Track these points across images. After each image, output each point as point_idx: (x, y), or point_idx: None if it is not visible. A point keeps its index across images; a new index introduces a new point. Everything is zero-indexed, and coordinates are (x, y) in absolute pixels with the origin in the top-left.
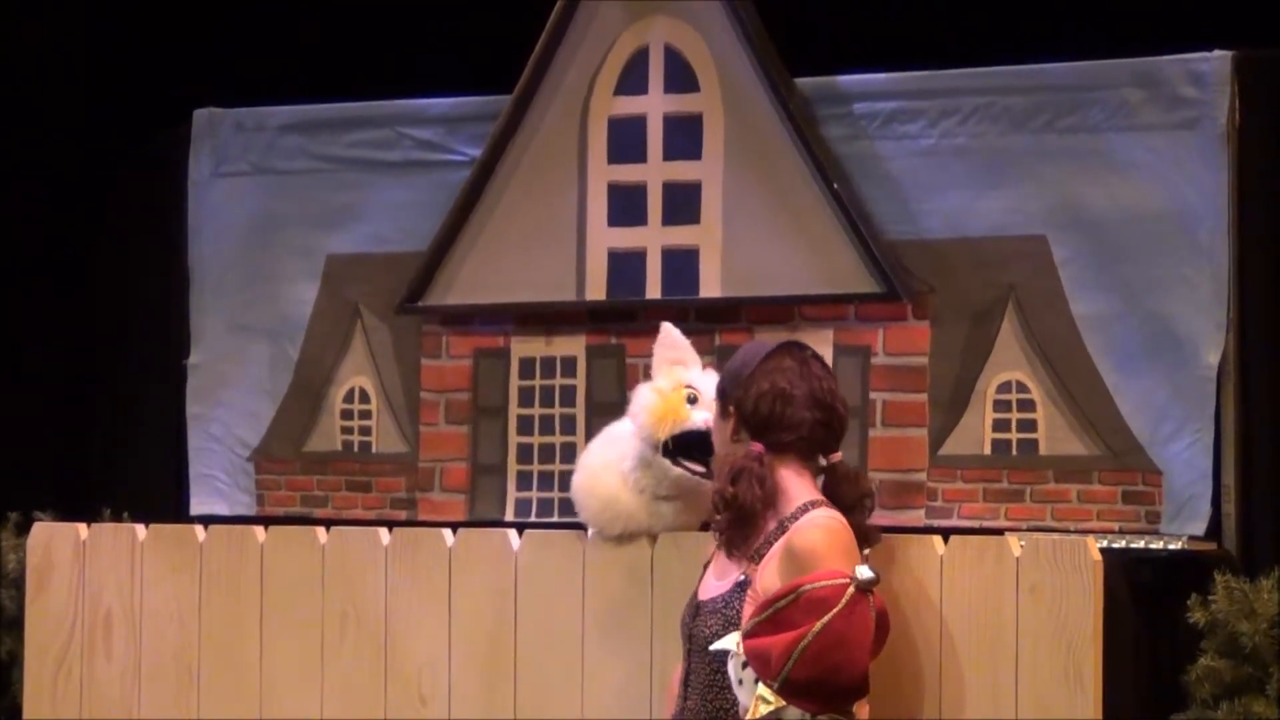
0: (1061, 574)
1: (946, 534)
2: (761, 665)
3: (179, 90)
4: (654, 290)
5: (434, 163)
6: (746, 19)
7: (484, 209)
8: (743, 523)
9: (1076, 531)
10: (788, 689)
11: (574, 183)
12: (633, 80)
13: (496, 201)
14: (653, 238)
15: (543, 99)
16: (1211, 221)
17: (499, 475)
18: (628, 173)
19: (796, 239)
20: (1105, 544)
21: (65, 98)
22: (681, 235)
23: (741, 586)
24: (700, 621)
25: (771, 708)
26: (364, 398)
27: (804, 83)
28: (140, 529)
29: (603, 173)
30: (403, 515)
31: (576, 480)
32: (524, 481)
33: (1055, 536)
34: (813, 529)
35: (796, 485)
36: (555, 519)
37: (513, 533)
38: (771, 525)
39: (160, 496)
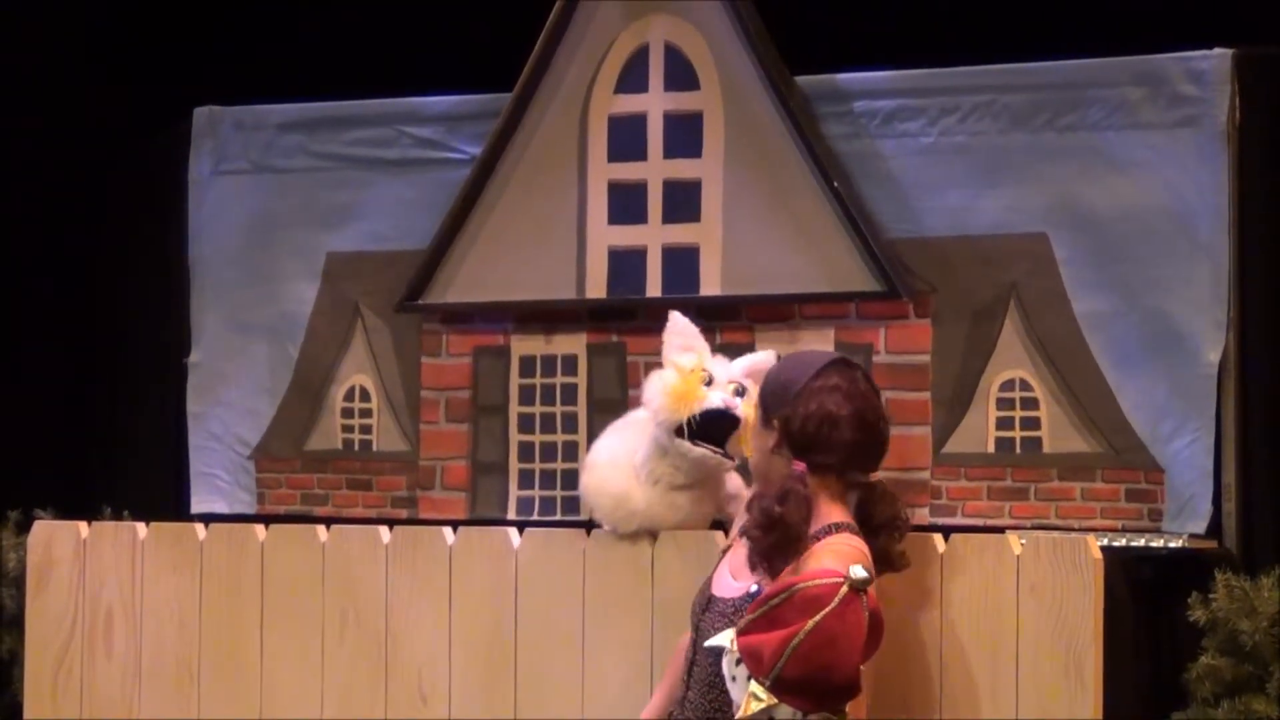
0: (1062, 572)
1: (950, 532)
2: (754, 662)
3: (179, 88)
4: (654, 288)
5: (434, 161)
6: (747, 17)
7: (484, 207)
8: (786, 543)
9: (1080, 529)
10: (779, 686)
11: (574, 181)
12: (633, 78)
13: (497, 200)
14: (653, 236)
15: (543, 97)
16: (1212, 220)
17: (500, 474)
18: (628, 171)
19: (797, 237)
20: (1105, 542)
21: (65, 96)
22: (682, 233)
23: (751, 598)
24: (708, 619)
25: (763, 705)
26: (364, 396)
27: (804, 81)
28: (141, 527)
29: (603, 171)
30: (404, 514)
31: (586, 480)
32: (526, 480)
33: (1055, 535)
34: (827, 554)
35: (826, 505)
36: (558, 518)
37: (513, 531)
38: None
39: (161, 495)
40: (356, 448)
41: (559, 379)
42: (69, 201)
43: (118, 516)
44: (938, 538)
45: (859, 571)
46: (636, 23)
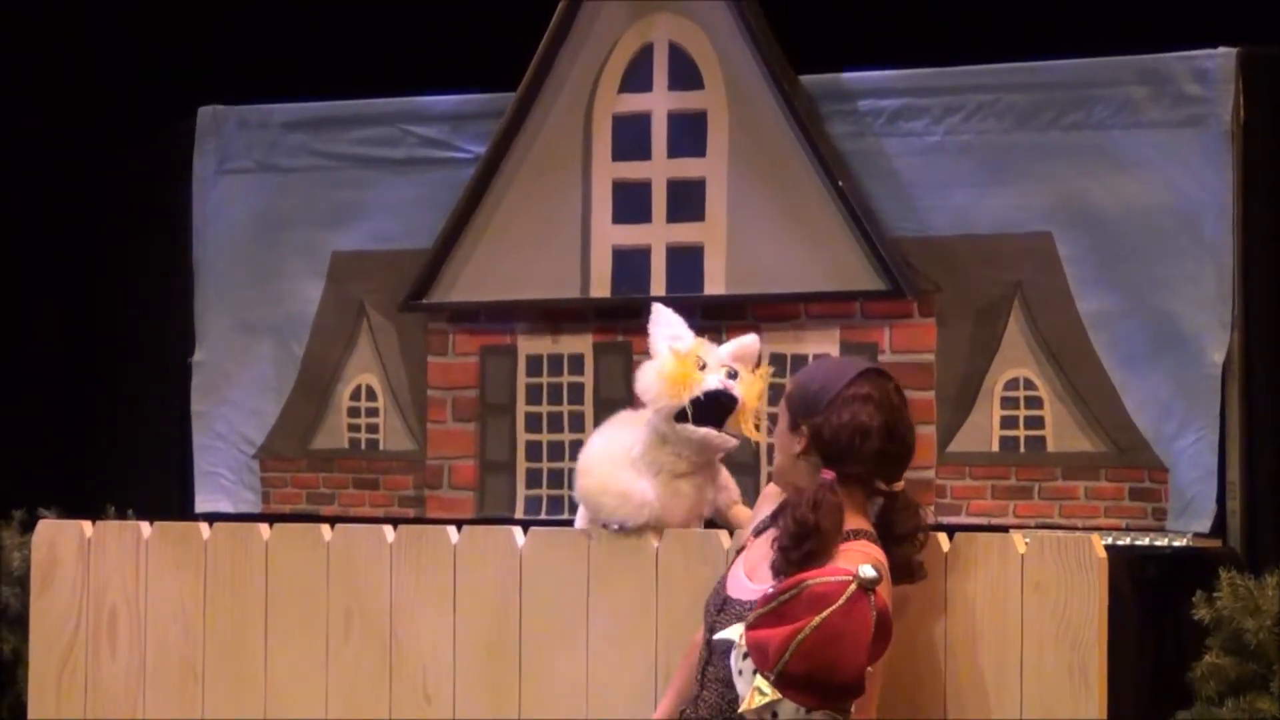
0: (1066, 571)
1: (954, 531)
2: (760, 657)
3: (183, 88)
4: (659, 287)
5: (439, 160)
6: (751, 16)
7: (489, 206)
8: (820, 553)
9: (1085, 528)
10: (783, 681)
11: (578, 180)
12: (637, 77)
13: (501, 199)
14: (657, 235)
15: (547, 96)
16: (1216, 219)
17: (508, 473)
18: (632, 170)
19: (801, 236)
20: (1109, 541)
21: (68, 95)
22: (686, 232)
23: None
24: (723, 620)
25: (767, 700)
26: (370, 395)
27: (808, 80)
28: (145, 526)
29: (607, 170)
30: (411, 513)
31: (584, 485)
32: (533, 479)
33: (1060, 534)
34: (841, 558)
35: (848, 513)
36: (566, 516)
37: (517, 530)
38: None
39: (165, 494)
40: (363, 447)
41: (565, 378)
42: (73, 201)
43: (122, 516)
44: (942, 537)
45: (868, 570)
46: (640, 22)
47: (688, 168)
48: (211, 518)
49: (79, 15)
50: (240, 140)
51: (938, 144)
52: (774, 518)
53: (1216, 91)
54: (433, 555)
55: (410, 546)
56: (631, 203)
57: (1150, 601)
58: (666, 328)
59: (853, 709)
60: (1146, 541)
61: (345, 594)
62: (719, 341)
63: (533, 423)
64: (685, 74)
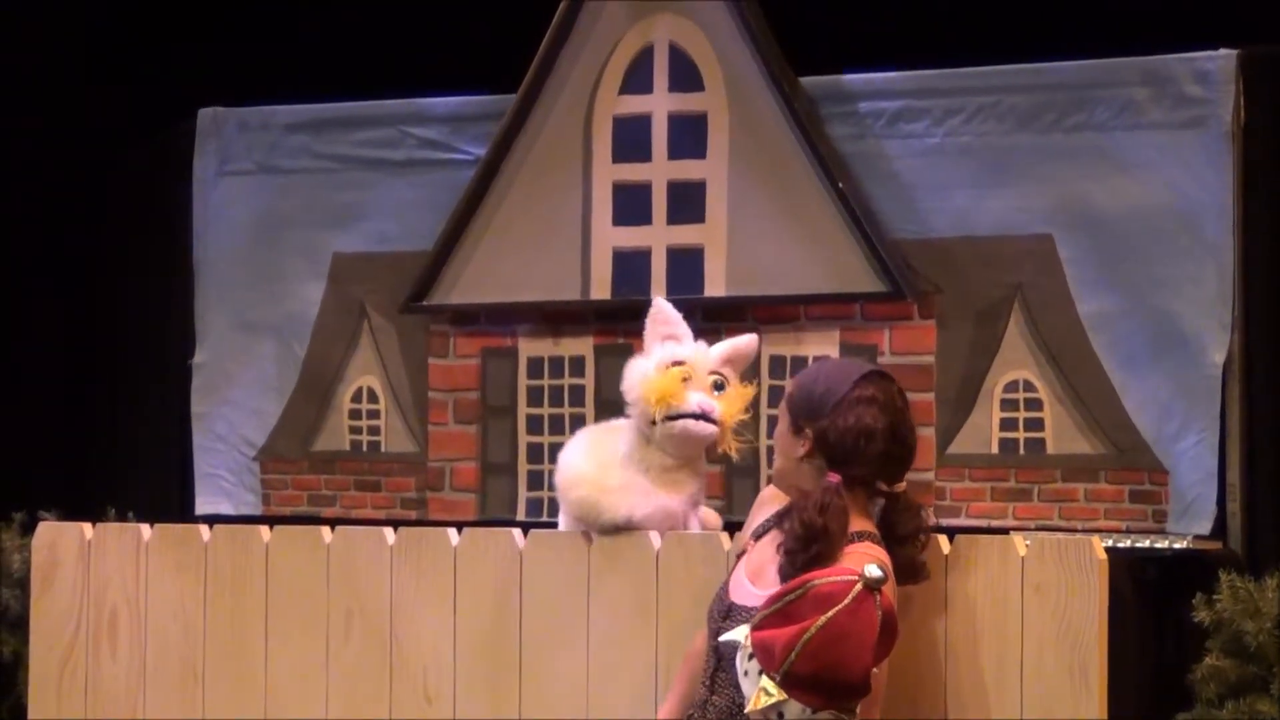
0: (1066, 573)
1: (954, 533)
2: (766, 657)
3: (183, 89)
4: (659, 289)
5: (439, 162)
6: (751, 18)
7: (489, 208)
8: (825, 555)
9: (1084, 530)
10: (789, 681)
11: (579, 182)
12: (637, 79)
13: (501, 200)
14: (658, 237)
15: (547, 98)
16: (1217, 220)
17: (509, 475)
18: (632, 172)
19: (802, 238)
20: (1110, 543)
21: (68, 97)
22: (686, 234)
23: None
24: (728, 626)
25: (773, 700)
26: (372, 397)
27: (809, 81)
28: (145, 528)
29: (607, 172)
30: (413, 515)
31: (577, 495)
32: (535, 481)
33: (1060, 536)
34: (846, 560)
35: (851, 515)
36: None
37: (517, 532)
38: None
39: (165, 496)
40: (364, 448)
41: (566, 380)
42: (73, 202)
43: (122, 518)
44: (942, 538)
45: (873, 570)
46: (641, 23)
47: (688, 169)
48: (212, 520)
49: (80, 16)
50: (241, 142)
51: (938, 145)
52: (779, 520)
53: (1217, 93)
54: (433, 557)
55: (410, 548)
56: (632, 204)
57: (1150, 603)
58: (663, 326)
59: (858, 709)
60: (1147, 543)
61: (346, 596)
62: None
63: (534, 425)
64: (686, 75)
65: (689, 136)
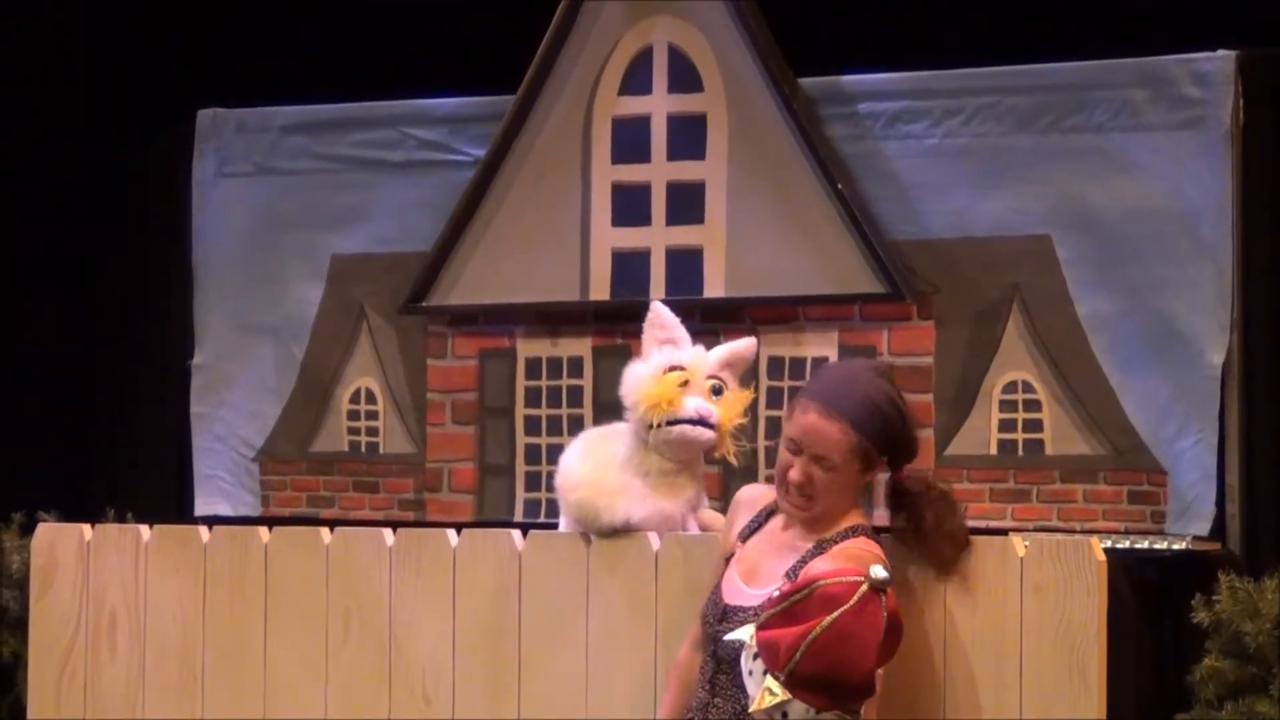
0: (1065, 574)
1: None
2: (770, 656)
3: (182, 91)
4: (658, 290)
5: (438, 163)
6: (750, 19)
7: (488, 209)
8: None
9: (1083, 531)
10: (794, 681)
11: (578, 183)
12: (636, 80)
13: (500, 202)
14: (657, 238)
15: (547, 99)
16: (1215, 221)
17: (507, 476)
18: (632, 173)
19: (801, 239)
20: (1109, 544)
21: (68, 98)
22: (685, 235)
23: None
24: (726, 629)
25: (777, 700)
26: (370, 398)
27: (808, 82)
28: (144, 529)
29: (607, 173)
30: (411, 516)
31: (576, 497)
32: (532, 482)
33: (1059, 536)
34: (845, 560)
35: (850, 510)
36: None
37: (516, 533)
38: (810, 544)
39: (164, 497)
40: (363, 450)
41: (565, 381)
42: (73, 203)
43: (121, 519)
44: None
45: (879, 572)
46: (640, 24)
47: (687, 170)
48: (211, 520)
49: (79, 17)
50: (240, 143)
51: (937, 146)
52: (766, 518)
53: (1215, 94)
54: (432, 558)
55: (410, 550)
56: (631, 205)
57: (1149, 604)
58: (661, 330)
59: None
60: (1146, 544)
61: (345, 597)
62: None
63: (532, 426)
64: (685, 77)
65: (688, 137)
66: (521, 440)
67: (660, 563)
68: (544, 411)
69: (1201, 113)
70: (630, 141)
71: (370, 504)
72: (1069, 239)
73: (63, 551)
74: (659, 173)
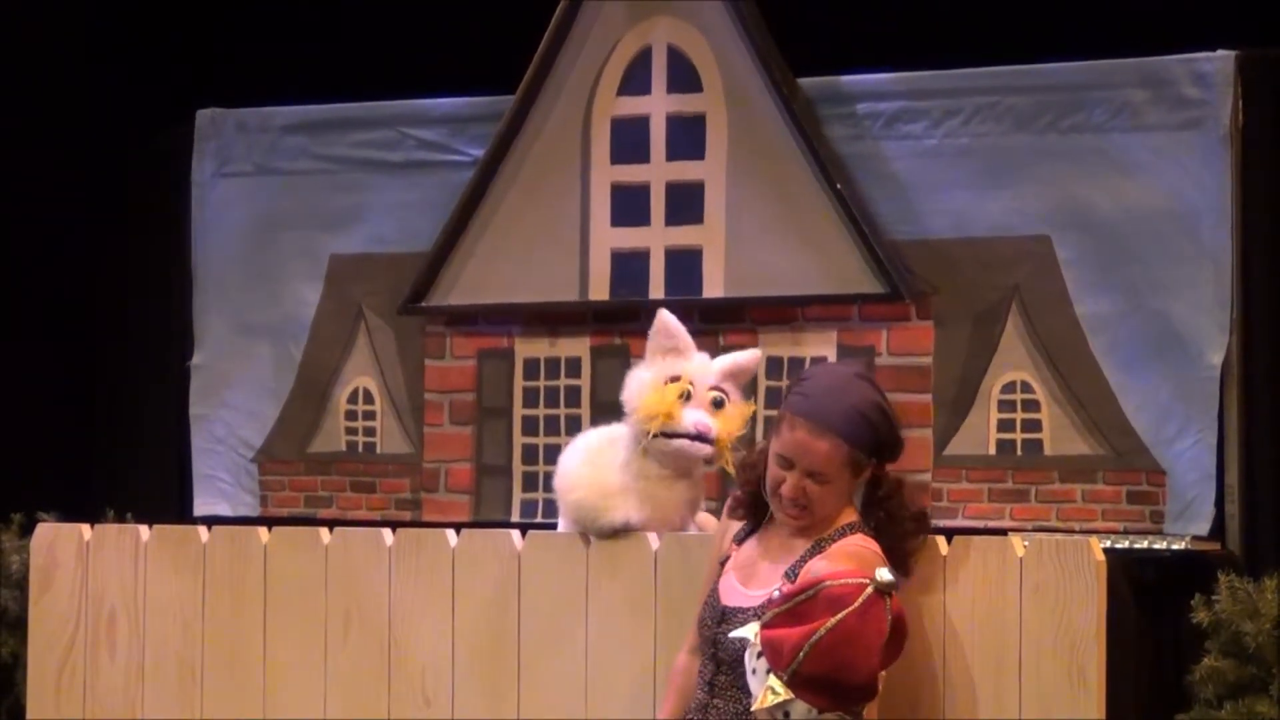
0: (1065, 574)
1: (951, 534)
2: (774, 656)
3: (182, 91)
4: (657, 290)
5: (437, 163)
6: (749, 19)
7: (487, 209)
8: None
9: (1081, 532)
10: (796, 681)
11: (577, 183)
12: (636, 80)
13: (500, 202)
14: (656, 238)
15: (546, 99)
16: (1215, 222)
17: (504, 476)
18: (631, 173)
19: (800, 239)
20: (1108, 544)
21: (68, 98)
22: (685, 235)
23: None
24: (725, 630)
25: (780, 699)
26: (368, 398)
27: (807, 83)
28: (144, 530)
29: (606, 173)
30: (408, 516)
31: (575, 498)
32: (529, 482)
33: (1059, 537)
34: (842, 558)
35: (848, 505)
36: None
37: (516, 533)
38: (808, 544)
39: (163, 497)
40: (360, 450)
41: (563, 381)
42: (71, 204)
43: (121, 519)
44: (940, 539)
45: (885, 575)
46: (639, 25)
47: (686, 171)
48: (210, 521)
49: (79, 18)
50: (239, 143)
51: (936, 147)
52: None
53: (1215, 94)
54: (431, 559)
55: (409, 550)
56: (630, 206)
57: (1149, 604)
58: (666, 339)
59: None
60: (1145, 544)
61: (344, 597)
62: (716, 345)
63: (529, 426)
64: (684, 77)
65: (687, 138)
66: (519, 440)
67: (660, 563)
68: (542, 412)
69: (1201, 113)
70: (629, 142)
71: (367, 504)
72: (1068, 239)
73: (62, 552)
74: (658, 173)
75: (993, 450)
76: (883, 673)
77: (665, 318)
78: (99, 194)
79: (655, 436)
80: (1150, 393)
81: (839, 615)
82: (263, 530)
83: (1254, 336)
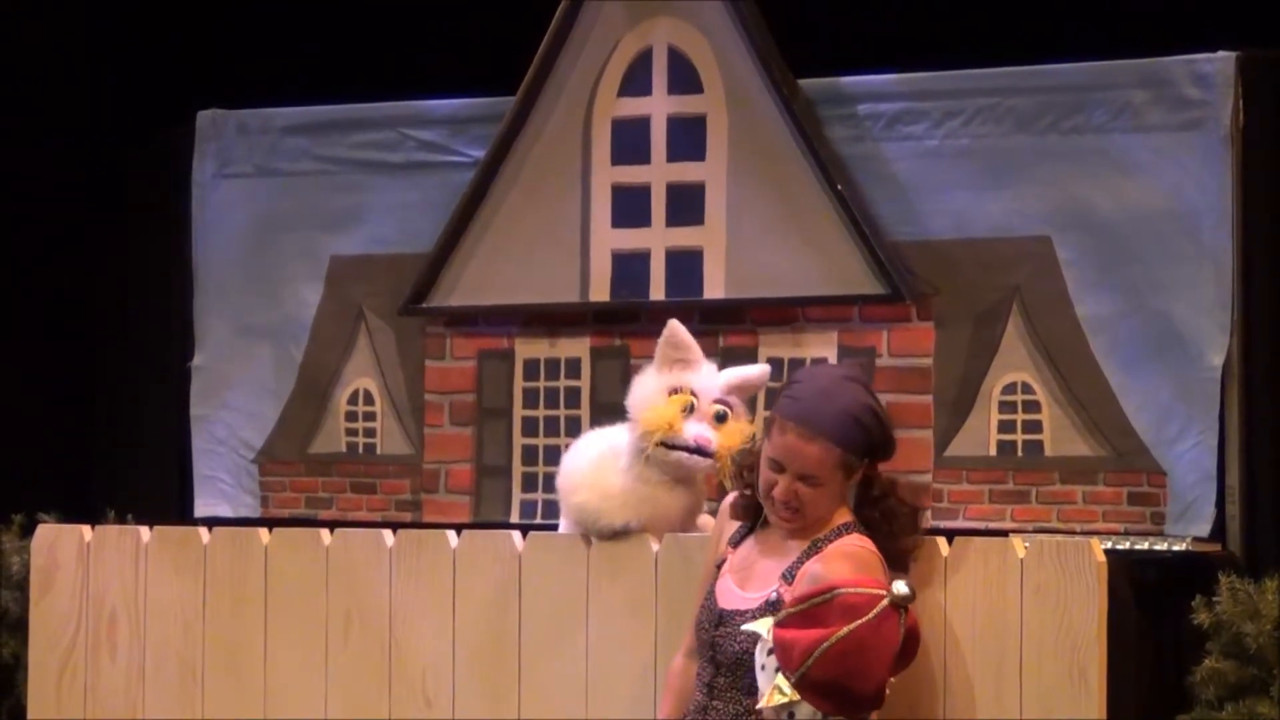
0: (1066, 575)
1: (952, 535)
2: (784, 656)
3: (182, 91)
4: (658, 292)
5: (438, 164)
6: (750, 20)
7: (488, 210)
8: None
9: (1082, 533)
10: (803, 685)
11: (577, 184)
12: (636, 81)
13: (500, 203)
14: (656, 239)
15: (546, 100)
16: (1215, 222)
17: (504, 477)
18: (631, 174)
19: (801, 240)
20: (1109, 545)
21: (68, 98)
22: (685, 236)
23: (773, 606)
24: (726, 634)
25: (786, 700)
26: (368, 399)
27: (808, 84)
28: (144, 531)
29: (606, 174)
30: (408, 517)
31: (577, 500)
32: (529, 483)
33: (1060, 538)
34: (840, 558)
35: (842, 505)
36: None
37: (516, 534)
38: (805, 545)
39: (164, 498)
40: (360, 451)
41: (563, 382)
42: (71, 205)
43: (121, 520)
44: (941, 540)
45: (901, 588)
46: (640, 26)
47: (687, 172)
48: (211, 522)
49: (79, 19)
50: (240, 144)
51: (937, 148)
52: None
53: (1216, 95)
54: (432, 560)
55: (409, 551)
56: (631, 207)
57: (1150, 606)
58: (674, 350)
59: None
60: (1146, 546)
61: (345, 598)
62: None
63: (529, 427)
64: (684, 78)
65: (688, 139)
66: (519, 441)
67: (660, 564)
68: (542, 413)
69: (1202, 114)
70: (630, 143)
71: (367, 505)
72: (1069, 240)
73: (63, 553)
74: (659, 174)
75: (993, 451)
76: (892, 679)
77: (675, 328)
78: (99, 194)
79: (656, 446)
80: (1151, 393)
81: (852, 625)
82: (263, 531)
83: (1255, 337)
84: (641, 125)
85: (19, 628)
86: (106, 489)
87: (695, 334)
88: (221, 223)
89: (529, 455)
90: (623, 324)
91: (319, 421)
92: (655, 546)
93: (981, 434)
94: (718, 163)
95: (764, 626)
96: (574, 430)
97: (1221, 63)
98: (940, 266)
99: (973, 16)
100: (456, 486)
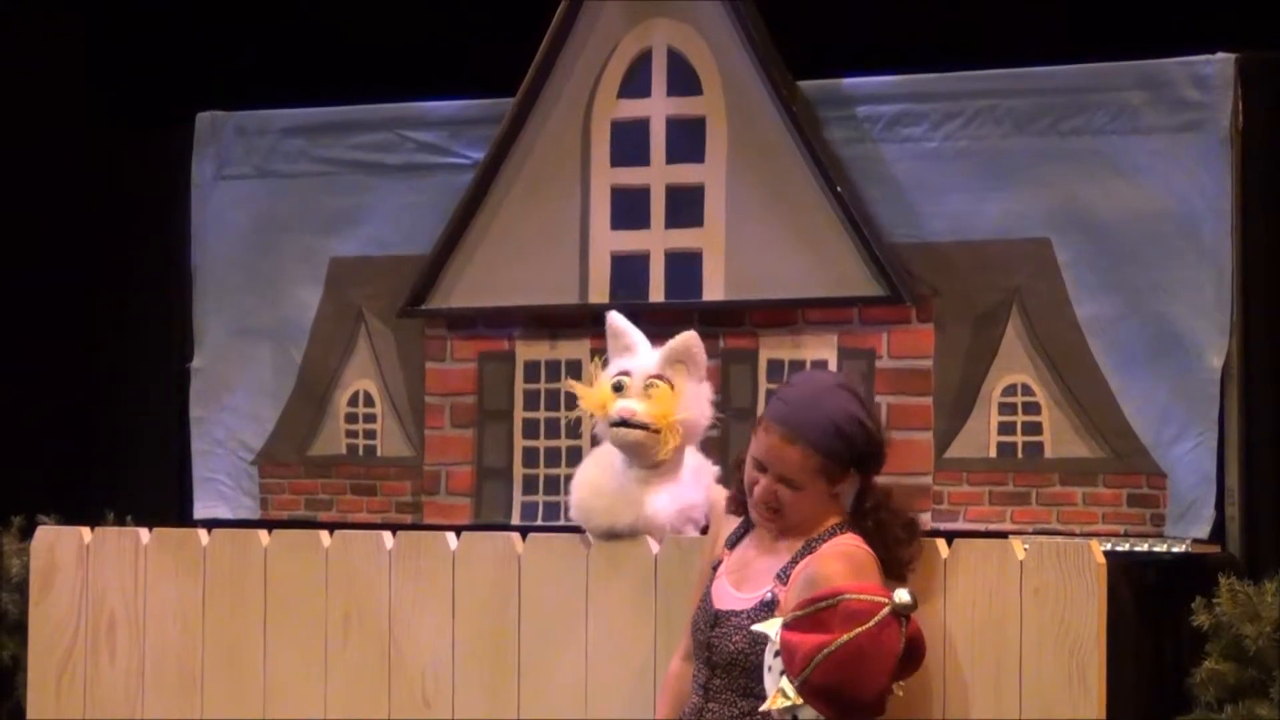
0: (1065, 576)
1: (952, 537)
2: (788, 659)
3: (182, 92)
4: (657, 293)
5: (437, 166)
6: (749, 21)
7: (487, 212)
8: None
9: (1082, 534)
10: (805, 689)
11: (577, 186)
12: (635, 83)
13: (499, 204)
14: (656, 241)
15: (546, 102)
16: (1215, 224)
17: (505, 479)
18: (631, 176)
19: (800, 242)
20: (1109, 547)
21: (67, 100)
22: (685, 238)
23: (768, 606)
24: (722, 634)
25: (789, 704)
26: (368, 401)
27: (807, 85)
28: (144, 532)
29: (605, 176)
30: (408, 519)
31: (577, 498)
32: (530, 485)
33: (1059, 539)
34: (835, 558)
35: (829, 508)
36: (562, 523)
37: (516, 536)
38: (799, 545)
39: (164, 500)
40: (360, 453)
41: (563, 384)
42: (70, 206)
43: (121, 522)
44: (941, 542)
45: (904, 596)
46: (639, 27)
47: (686, 173)
48: (210, 524)
49: (78, 20)
50: (239, 146)
51: (936, 149)
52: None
53: (1215, 97)
54: (431, 561)
55: (409, 553)
56: (630, 208)
57: (1149, 607)
58: (615, 339)
59: None
60: (1145, 547)
61: (344, 600)
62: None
63: (530, 429)
64: (684, 80)
65: (687, 140)
66: (519, 443)
67: (660, 565)
68: (542, 414)
69: (1201, 116)
70: (629, 144)
71: (368, 507)
72: (1068, 242)
73: (62, 554)
74: (658, 176)
75: (993, 453)
76: (901, 683)
77: (612, 318)
78: (99, 195)
79: (595, 428)
80: (1150, 395)
81: (853, 631)
82: (263, 533)
83: (1254, 338)
84: (641, 127)
85: (18, 629)
86: (106, 491)
87: (699, 332)
88: (221, 224)
89: (530, 457)
90: None
91: (319, 423)
92: (655, 547)
93: (981, 436)
94: (717, 164)
95: (773, 628)
96: (575, 432)
97: (1220, 64)
98: (940, 268)
99: (972, 18)
100: (457, 489)
